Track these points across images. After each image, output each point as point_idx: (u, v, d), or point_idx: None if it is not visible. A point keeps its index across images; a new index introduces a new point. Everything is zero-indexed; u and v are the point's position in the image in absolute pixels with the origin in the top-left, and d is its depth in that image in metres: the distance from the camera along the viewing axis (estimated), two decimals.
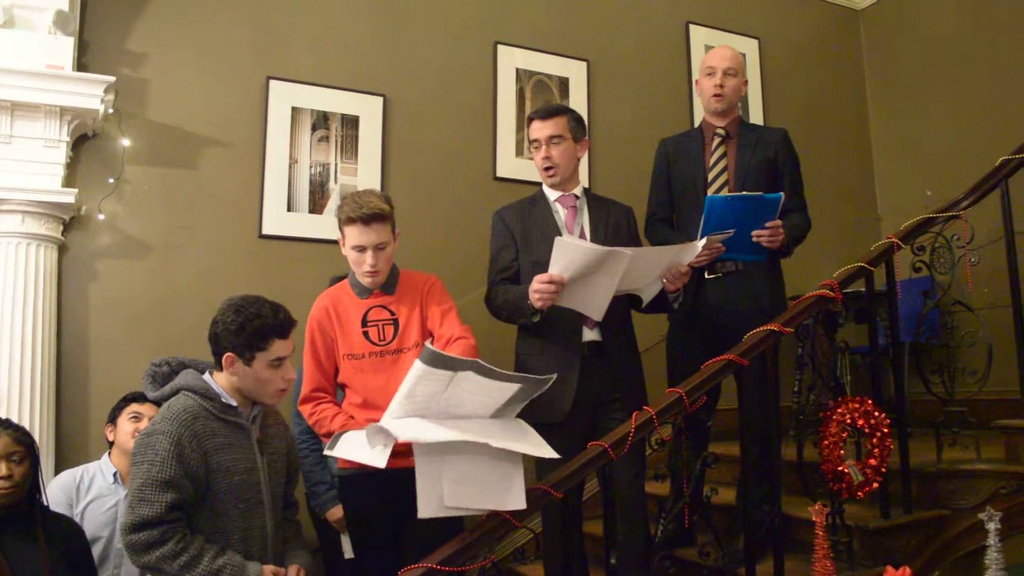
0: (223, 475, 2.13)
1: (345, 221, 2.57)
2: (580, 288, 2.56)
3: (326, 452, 2.42)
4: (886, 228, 5.15)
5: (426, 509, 2.08)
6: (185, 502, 2.07)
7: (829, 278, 2.77)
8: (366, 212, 2.52)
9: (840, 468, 2.66)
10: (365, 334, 2.61)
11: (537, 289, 2.55)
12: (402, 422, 2.10)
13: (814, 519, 2.23)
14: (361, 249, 2.56)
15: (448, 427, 2.07)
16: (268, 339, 2.18)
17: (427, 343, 2.10)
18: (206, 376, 2.24)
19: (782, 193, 2.92)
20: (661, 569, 2.41)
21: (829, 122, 5.56)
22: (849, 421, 2.72)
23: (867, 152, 5.71)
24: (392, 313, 2.64)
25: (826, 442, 2.69)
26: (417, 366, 2.01)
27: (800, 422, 2.73)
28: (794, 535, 2.70)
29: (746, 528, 2.59)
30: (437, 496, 2.09)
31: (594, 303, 2.62)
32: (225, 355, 2.18)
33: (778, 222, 2.92)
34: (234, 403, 2.22)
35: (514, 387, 2.14)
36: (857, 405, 2.75)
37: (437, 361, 2.02)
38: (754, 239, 2.92)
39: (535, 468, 2.60)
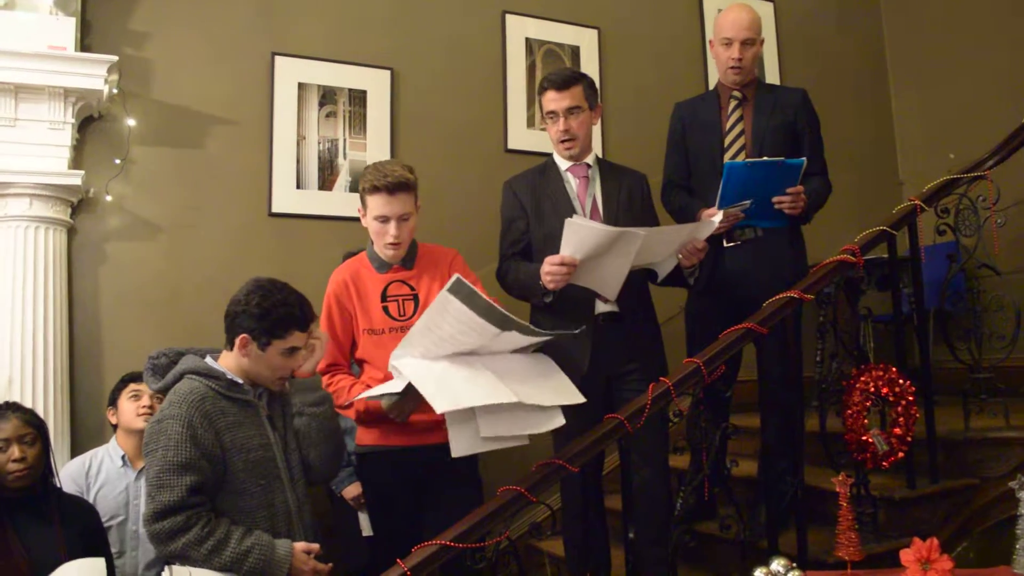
0: (238, 453, 2.11)
1: (369, 190, 2.51)
2: (593, 268, 2.51)
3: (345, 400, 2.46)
4: (908, 193, 5.03)
5: (459, 447, 2.06)
6: (205, 484, 2.04)
7: (850, 243, 2.70)
8: (391, 181, 2.47)
9: (864, 438, 2.60)
10: (385, 309, 2.58)
11: (549, 271, 2.50)
12: (425, 367, 2.11)
13: (838, 490, 2.17)
14: (384, 219, 2.52)
15: (471, 374, 2.10)
16: (289, 330, 2.16)
17: (457, 276, 2.08)
18: (207, 359, 2.22)
19: (804, 159, 2.84)
20: (681, 543, 2.37)
21: (848, 85, 5.42)
22: (873, 390, 2.66)
23: (887, 115, 5.57)
24: (412, 288, 2.61)
25: (849, 411, 2.63)
26: (444, 297, 2.04)
27: (823, 391, 2.67)
28: (817, 507, 2.65)
29: (768, 500, 2.55)
30: (471, 430, 2.06)
31: (607, 282, 2.57)
32: (240, 336, 2.15)
33: (800, 188, 2.85)
34: (239, 380, 2.19)
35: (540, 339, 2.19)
36: (881, 373, 2.68)
37: (465, 295, 2.03)
38: (775, 205, 2.85)
39: (552, 439, 2.57)
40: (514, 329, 2.13)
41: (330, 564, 2.18)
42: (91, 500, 2.85)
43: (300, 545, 2.12)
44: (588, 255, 2.46)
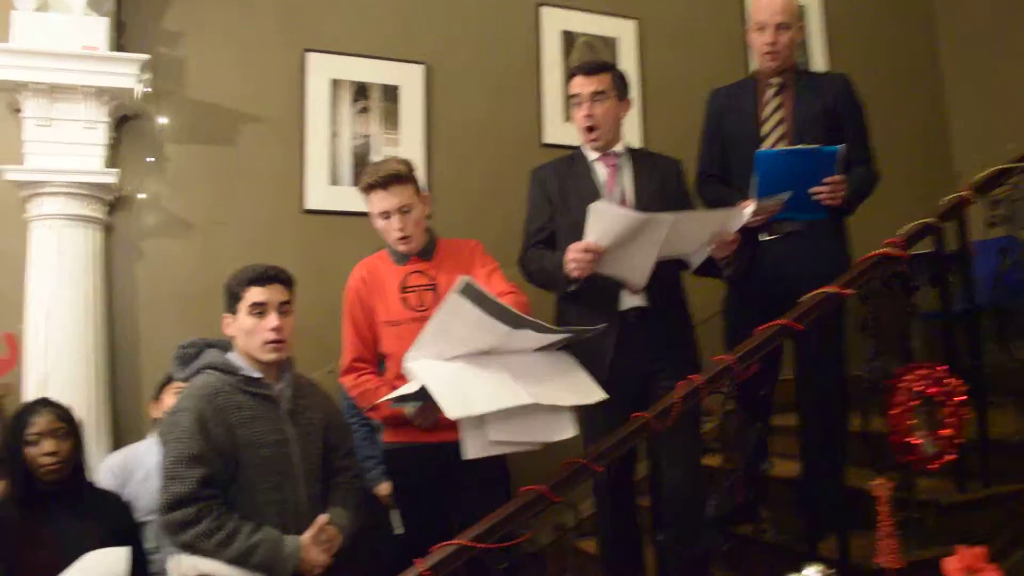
0: (251, 448, 2.12)
1: (365, 189, 2.56)
2: (619, 255, 2.43)
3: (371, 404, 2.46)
4: (964, 186, 4.84)
5: (471, 449, 2.05)
6: (216, 477, 2.06)
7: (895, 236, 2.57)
8: (382, 176, 2.51)
9: (909, 439, 2.48)
10: (404, 300, 2.58)
11: (573, 258, 2.43)
12: (437, 368, 2.07)
13: (876, 494, 2.07)
14: (386, 215, 2.54)
15: (485, 375, 2.07)
16: (245, 286, 2.22)
17: (466, 277, 2.04)
18: (229, 354, 2.24)
19: (840, 146, 2.72)
20: (713, 546, 2.28)
21: (899, 73, 5.22)
22: (919, 389, 2.53)
23: (941, 104, 5.36)
24: (431, 279, 2.60)
25: (893, 412, 2.51)
26: (451, 299, 2.00)
27: (867, 391, 2.55)
28: (863, 510, 2.53)
29: (807, 503, 2.44)
30: (482, 433, 2.04)
31: (635, 270, 2.48)
32: (223, 317, 2.22)
33: (838, 177, 2.73)
34: (257, 375, 2.20)
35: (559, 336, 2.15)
36: (927, 372, 2.55)
37: (475, 296, 1.99)
38: (813, 196, 2.74)
39: (582, 437, 2.50)
40: (527, 327, 2.08)
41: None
42: (130, 495, 2.87)
43: (308, 534, 2.11)
44: (614, 242, 2.39)
